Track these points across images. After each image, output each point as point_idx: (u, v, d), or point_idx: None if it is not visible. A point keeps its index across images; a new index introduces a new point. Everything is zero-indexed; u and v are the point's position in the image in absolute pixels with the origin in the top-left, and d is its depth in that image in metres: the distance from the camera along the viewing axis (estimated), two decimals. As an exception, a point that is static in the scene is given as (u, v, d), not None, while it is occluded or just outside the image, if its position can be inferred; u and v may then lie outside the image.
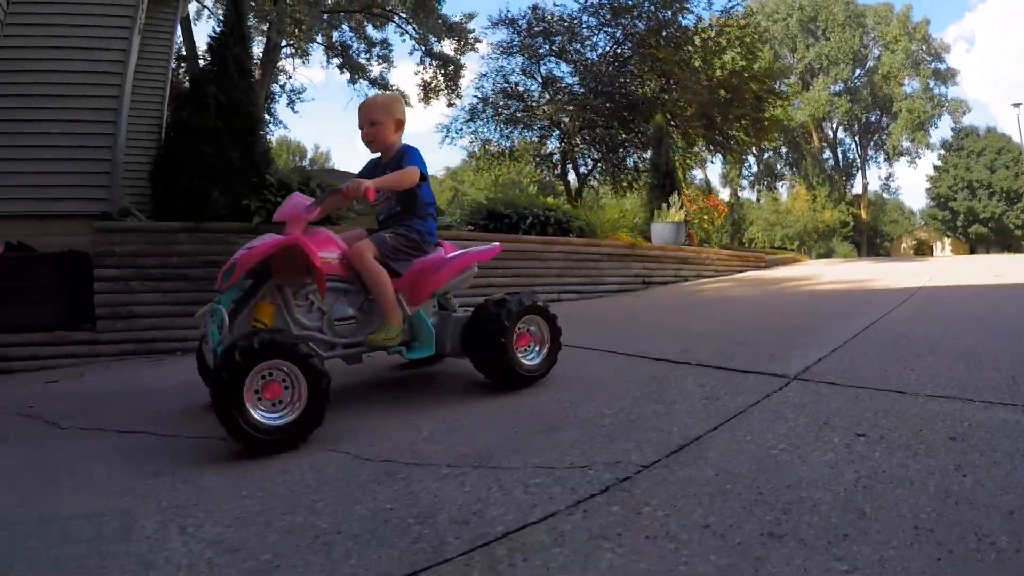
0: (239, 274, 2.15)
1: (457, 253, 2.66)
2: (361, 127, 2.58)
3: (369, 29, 21.07)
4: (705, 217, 9.70)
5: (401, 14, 20.03)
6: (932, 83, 36.24)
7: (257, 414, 1.89)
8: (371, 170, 2.63)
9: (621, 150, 14.53)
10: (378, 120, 2.55)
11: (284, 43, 17.60)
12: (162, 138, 6.08)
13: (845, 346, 3.01)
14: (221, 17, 5.85)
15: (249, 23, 13.81)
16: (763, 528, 1.26)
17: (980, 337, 3.05)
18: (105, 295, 4.35)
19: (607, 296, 6.99)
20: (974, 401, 2.00)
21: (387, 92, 3.40)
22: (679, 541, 1.24)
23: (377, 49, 21.08)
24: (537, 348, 2.61)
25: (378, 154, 2.66)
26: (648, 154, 13.91)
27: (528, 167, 17.62)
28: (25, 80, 5.09)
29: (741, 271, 9.93)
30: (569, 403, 2.33)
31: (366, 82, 20.11)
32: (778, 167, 32.16)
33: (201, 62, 8.10)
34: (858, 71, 39.46)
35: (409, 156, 2.55)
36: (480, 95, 15.67)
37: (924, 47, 36.43)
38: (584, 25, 14.87)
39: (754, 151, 17.16)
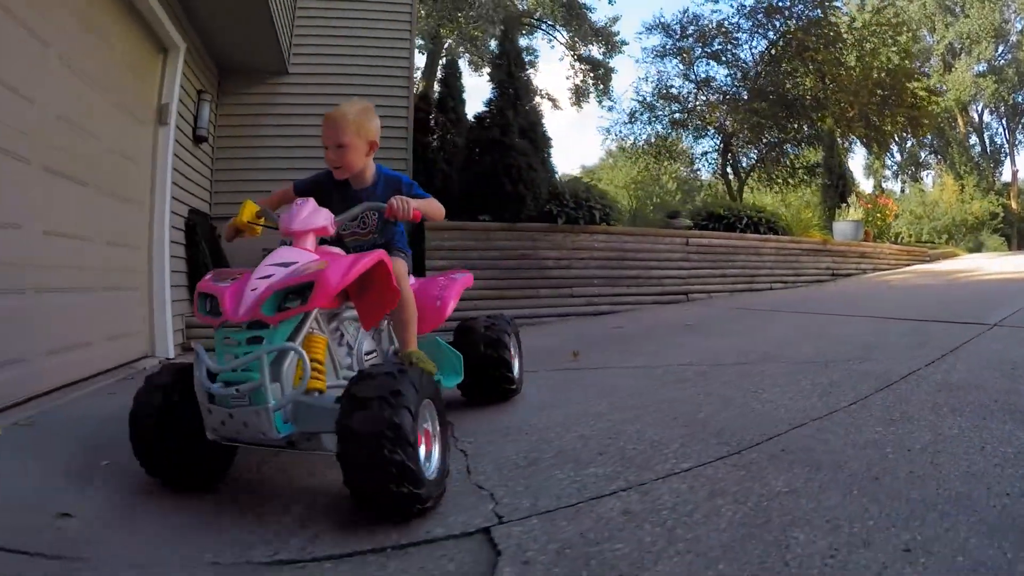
0: (324, 299, 1.59)
1: (449, 281, 2.52)
2: (326, 146, 2.10)
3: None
4: (878, 215, 10.38)
5: (548, 21, 21.37)
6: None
7: None
8: (333, 190, 2.16)
9: (778, 149, 15.15)
10: (347, 143, 2.06)
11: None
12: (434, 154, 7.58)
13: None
14: (495, 49, 7.17)
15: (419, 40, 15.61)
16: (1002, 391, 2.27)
17: None
18: (438, 281, 5.85)
19: (805, 286, 7.97)
20: None
21: (358, 102, 2.15)
22: (942, 438, 1.82)
23: (524, 55, 22.45)
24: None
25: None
26: (801, 149, 14.55)
27: (668, 163, 18.48)
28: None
29: (909, 264, 10.58)
30: (862, 341, 3.38)
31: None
32: (923, 155, 30.86)
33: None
34: (1001, 47, 36.93)
35: (414, 187, 2.22)
36: (639, 98, 16.73)
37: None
38: (739, 29, 15.56)
39: (896, 139, 17.11)
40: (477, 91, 8.67)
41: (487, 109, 6.63)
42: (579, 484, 1.59)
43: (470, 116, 7.33)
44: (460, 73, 9.27)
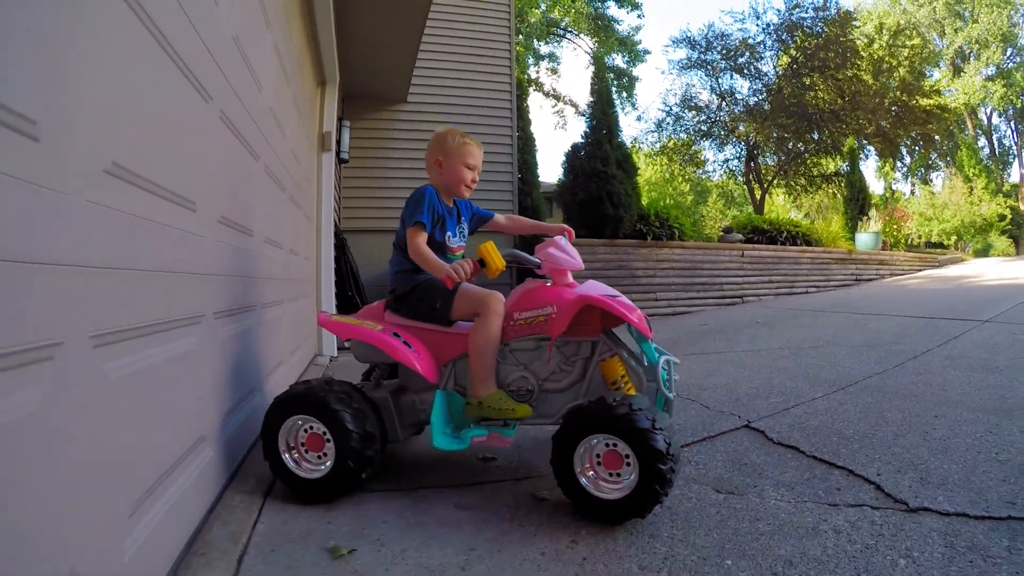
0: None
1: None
2: (471, 167, 2.33)
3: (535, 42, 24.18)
4: (894, 227, 12.18)
5: (573, 30, 23.07)
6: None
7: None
8: (445, 211, 2.32)
9: (799, 158, 16.94)
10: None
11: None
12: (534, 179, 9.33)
13: (1010, 310, 6.06)
14: (592, 87, 8.75)
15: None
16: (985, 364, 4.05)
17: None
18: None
19: (834, 289, 9.74)
20: None
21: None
22: (948, 380, 3.87)
23: (545, 62, 24.16)
24: None
25: (443, 195, 2.33)
26: (820, 158, 16.30)
27: (689, 168, 20.25)
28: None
29: (922, 269, 12.37)
30: (893, 332, 5.14)
31: (540, 94, 23.31)
32: (932, 157, 32.61)
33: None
34: (1010, 51, 38.62)
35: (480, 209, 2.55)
36: (665, 108, 18.52)
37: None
38: (763, 46, 17.33)
39: (907, 142, 18.85)
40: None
41: (584, 141, 8.32)
42: (772, 405, 3.33)
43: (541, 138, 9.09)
44: (527, 94, 10.98)
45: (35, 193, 1.01)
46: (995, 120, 40.49)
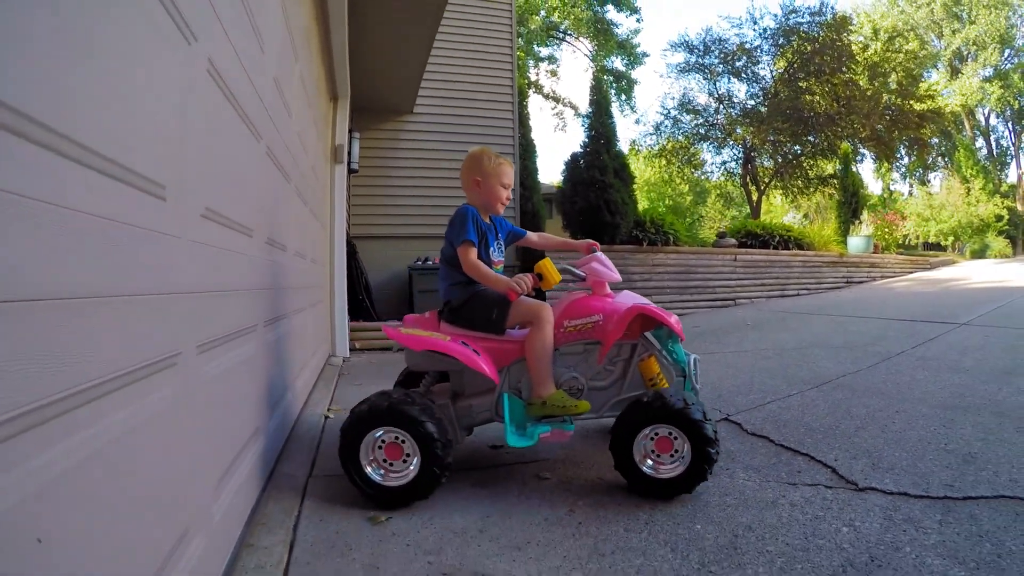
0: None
1: None
2: (505, 186, 2.54)
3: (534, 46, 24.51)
4: (885, 230, 12.55)
5: (572, 33, 23.43)
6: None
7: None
8: (488, 230, 2.53)
9: (795, 161, 17.30)
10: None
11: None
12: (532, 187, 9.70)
13: (988, 314, 6.42)
14: (591, 99, 9.13)
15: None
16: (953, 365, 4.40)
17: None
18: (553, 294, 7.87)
19: (825, 292, 10.09)
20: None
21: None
22: (915, 379, 4.39)
23: (545, 64, 24.51)
24: None
25: (481, 213, 2.53)
26: (815, 160, 16.65)
27: (688, 169, 20.61)
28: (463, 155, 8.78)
29: (912, 272, 12.72)
30: (872, 335, 5.50)
31: (540, 96, 23.67)
32: (930, 158, 33.01)
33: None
34: (1007, 52, 38.96)
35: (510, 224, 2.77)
36: (663, 112, 18.88)
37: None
38: (760, 51, 17.68)
39: (905, 141, 19.21)
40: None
41: (582, 151, 8.68)
42: (750, 401, 3.69)
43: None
44: (527, 101, 11.31)
45: (163, 239, 1.36)
46: (993, 121, 40.92)
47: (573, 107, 23.64)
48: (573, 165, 8.73)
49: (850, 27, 17.62)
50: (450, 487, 2.38)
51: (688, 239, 8.76)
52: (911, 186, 34.93)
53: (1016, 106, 39.35)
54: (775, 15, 18.15)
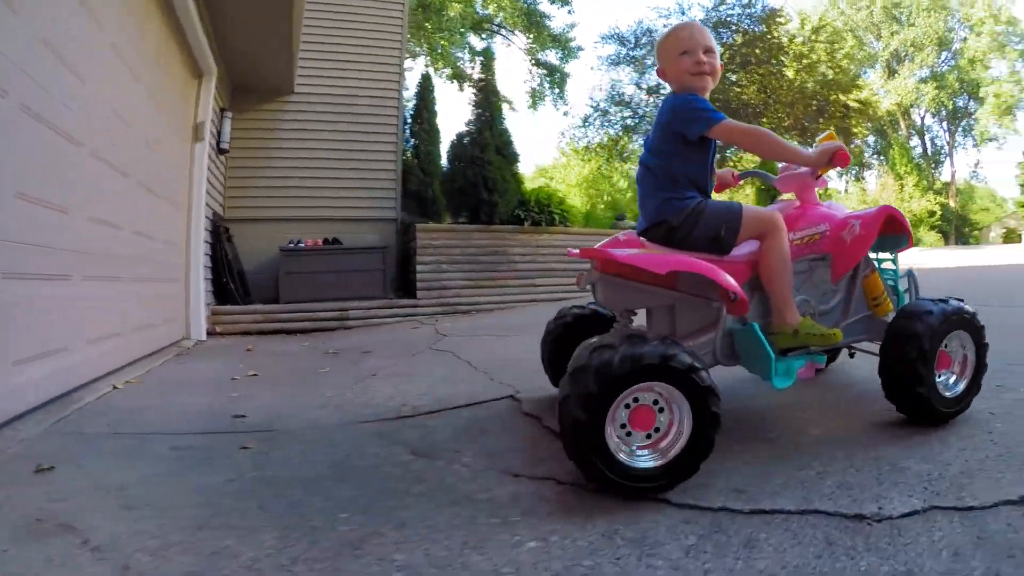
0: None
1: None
2: (686, 51, 1.92)
3: (471, 39, 24.08)
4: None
5: (506, 27, 23.05)
6: (1019, 66, 36.79)
7: None
8: None
9: (721, 153, 17.17)
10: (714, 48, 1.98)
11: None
12: (411, 165, 9.17)
13: None
14: (478, 78, 8.72)
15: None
16: None
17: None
18: (425, 274, 7.30)
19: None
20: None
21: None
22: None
23: (481, 58, 24.00)
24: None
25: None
26: (742, 153, 16.49)
27: (620, 164, 20.40)
28: (346, 138, 8.26)
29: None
30: None
31: (473, 89, 23.14)
32: (865, 156, 33.66)
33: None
34: (944, 54, 40.20)
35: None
36: (593, 103, 18.61)
37: (1011, 28, 37.03)
38: (688, 40, 17.53)
39: (840, 139, 19.35)
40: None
41: (467, 129, 8.20)
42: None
43: (439, 124, 9.11)
44: (433, 87, 10.81)
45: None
46: (928, 121, 42.06)
47: (507, 101, 23.27)
48: (458, 144, 8.23)
49: (778, 19, 17.60)
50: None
51: (578, 221, 8.32)
52: (847, 183, 35.61)
53: (951, 107, 40.58)
54: (704, 7, 18.06)
